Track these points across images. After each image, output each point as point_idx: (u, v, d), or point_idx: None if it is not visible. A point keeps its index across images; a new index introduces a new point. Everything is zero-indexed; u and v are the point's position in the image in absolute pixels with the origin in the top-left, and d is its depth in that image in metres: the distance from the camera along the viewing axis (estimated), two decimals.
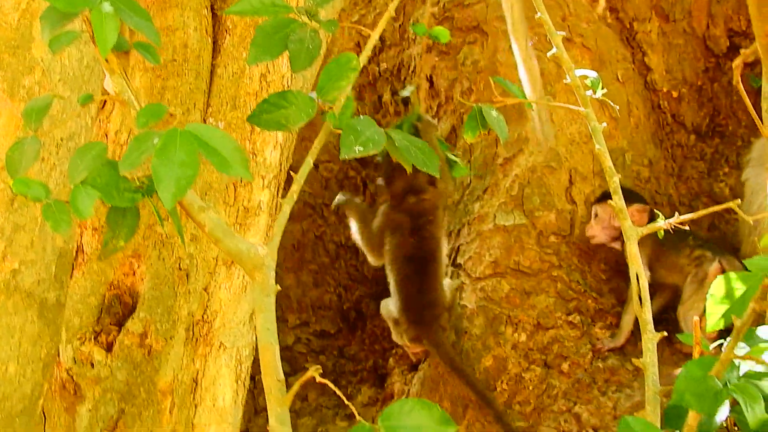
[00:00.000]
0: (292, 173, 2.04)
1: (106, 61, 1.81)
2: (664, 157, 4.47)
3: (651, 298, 2.23)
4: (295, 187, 2.02)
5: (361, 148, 1.98)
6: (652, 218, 3.94)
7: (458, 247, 4.20)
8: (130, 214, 1.86)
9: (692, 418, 1.68)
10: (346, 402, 1.69)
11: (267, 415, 4.53)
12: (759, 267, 1.71)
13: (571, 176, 4.14)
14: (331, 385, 1.70)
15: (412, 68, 4.73)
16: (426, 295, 3.90)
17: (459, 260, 4.17)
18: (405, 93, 4.60)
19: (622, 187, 2.27)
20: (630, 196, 3.97)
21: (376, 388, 4.59)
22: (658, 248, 3.84)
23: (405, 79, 4.80)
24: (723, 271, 3.83)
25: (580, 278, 4.03)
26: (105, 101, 2.97)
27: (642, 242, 3.55)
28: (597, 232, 3.98)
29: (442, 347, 3.85)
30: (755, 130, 4.19)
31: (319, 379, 1.72)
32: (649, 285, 3.88)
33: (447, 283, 4.00)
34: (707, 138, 4.57)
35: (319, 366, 1.76)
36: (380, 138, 2.03)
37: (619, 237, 3.90)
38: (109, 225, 1.83)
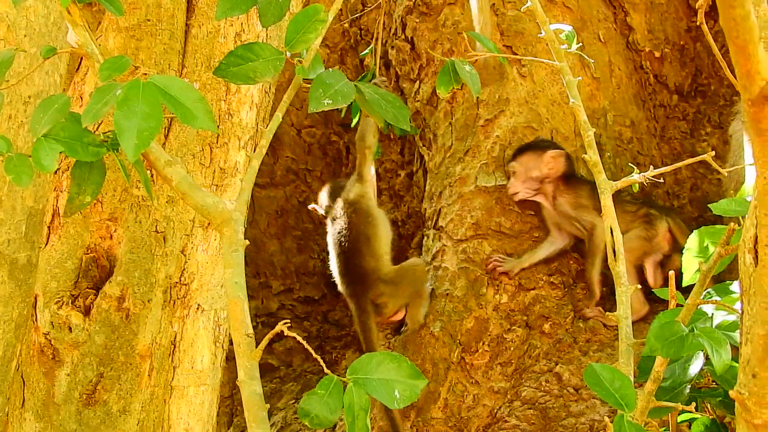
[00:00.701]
0: (261, 127, 2.02)
1: (68, 12, 1.77)
2: (647, 118, 4.45)
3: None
4: (264, 142, 2.00)
5: (330, 101, 1.97)
6: (570, 162, 3.99)
7: (440, 210, 4.19)
8: (96, 170, 1.84)
9: (659, 364, 1.67)
10: (309, 349, 1.67)
11: None
12: (721, 209, 1.70)
13: (552, 137, 4.12)
14: (300, 338, 1.69)
15: (393, 30, 4.69)
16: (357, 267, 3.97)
17: (440, 223, 4.15)
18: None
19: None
20: (543, 144, 3.99)
21: (360, 353, 4.59)
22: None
23: (386, 42, 4.76)
24: (670, 230, 3.87)
25: None
26: (81, 60, 2.94)
27: (591, 196, 3.56)
28: (518, 188, 3.98)
29: (363, 317, 3.92)
30: (737, 90, 4.17)
31: (287, 332, 1.70)
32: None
33: (414, 261, 4.04)
34: (689, 98, 4.55)
35: (288, 320, 1.75)
36: (350, 91, 2.01)
37: (539, 190, 3.92)
38: (74, 180, 1.81)
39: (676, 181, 4.32)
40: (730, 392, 1.52)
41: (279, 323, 1.72)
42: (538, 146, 3.98)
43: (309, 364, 4.71)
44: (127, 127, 1.63)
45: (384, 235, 4.05)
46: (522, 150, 3.99)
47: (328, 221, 4.13)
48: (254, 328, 4.77)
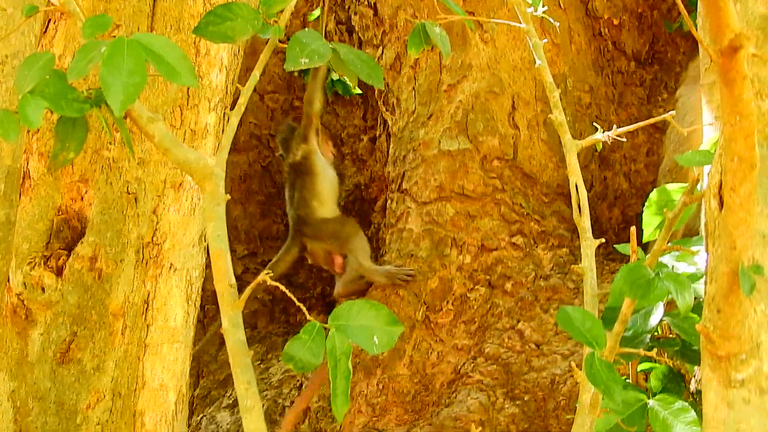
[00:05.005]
0: (238, 86, 2.07)
1: None
2: (605, 84, 4.54)
3: None
4: (242, 99, 2.05)
5: (307, 60, 2.02)
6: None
7: (403, 173, 4.26)
8: (79, 126, 1.87)
9: (626, 306, 1.76)
10: (298, 303, 1.74)
11: (218, 342, 4.56)
12: (686, 160, 1.79)
13: (513, 102, 4.20)
14: (282, 287, 1.75)
15: None
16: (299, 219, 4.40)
17: (405, 185, 4.22)
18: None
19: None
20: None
21: (325, 315, 4.64)
22: None
23: (349, 8, 4.80)
24: None
25: (523, 201, 4.12)
26: (48, 23, 2.95)
27: None
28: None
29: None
30: (693, 56, 4.27)
31: (270, 282, 1.77)
32: None
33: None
34: (647, 65, 4.64)
35: (270, 271, 1.82)
36: (325, 51, 2.06)
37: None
38: (58, 137, 1.84)
39: (633, 146, 4.43)
40: (696, 326, 1.63)
41: (261, 273, 1.79)
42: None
43: (273, 326, 4.78)
44: (113, 83, 1.68)
45: (320, 186, 4.40)
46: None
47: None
48: None
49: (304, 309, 1.75)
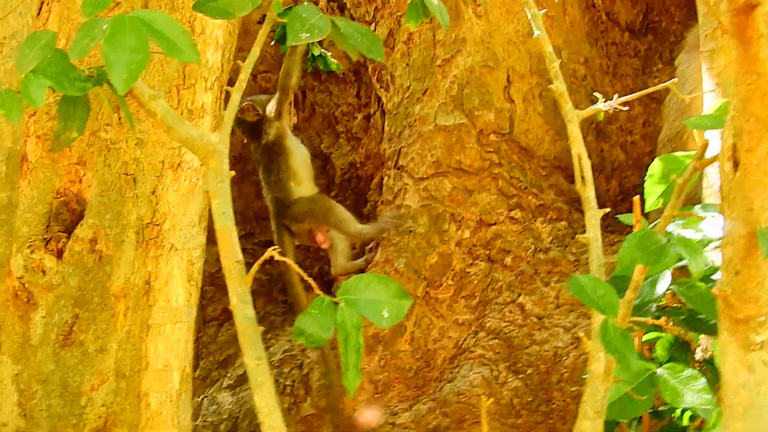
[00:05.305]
0: (239, 62, 2.06)
1: None
2: (599, 55, 4.53)
3: None
4: (243, 76, 2.04)
5: (308, 35, 2.01)
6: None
7: (400, 150, 4.25)
8: (81, 105, 1.87)
9: (638, 273, 1.76)
10: (307, 278, 1.74)
11: (216, 324, 4.55)
12: (696, 124, 1.79)
13: (509, 75, 4.19)
14: (290, 263, 1.75)
15: None
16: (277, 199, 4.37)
17: (401, 162, 4.22)
18: None
19: None
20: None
21: (324, 294, 4.66)
22: None
23: None
24: None
25: (520, 175, 4.11)
26: (42, 5, 2.93)
27: None
28: None
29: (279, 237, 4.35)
30: (688, 26, 4.27)
31: (277, 257, 1.76)
32: None
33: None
34: (641, 35, 4.63)
35: (277, 246, 1.81)
36: (325, 24, 2.05)
37: None
38: (60, 116, 1.84)
39: (629, 118, 4.42)
40: (713, 290, 1.64)
41: (268, 249, 1.78)
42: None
43: (272, 306, 4.77)
44: (116, 61, 1.67)
45: (295, 166, 4.35)
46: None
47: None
48: (217, 272, 4.81)
49: (313, 284, 1.74)
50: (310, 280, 1.73)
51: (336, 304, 1.74)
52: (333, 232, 4.34)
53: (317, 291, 1.72)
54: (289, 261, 1.75)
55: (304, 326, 1.68)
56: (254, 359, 1.80)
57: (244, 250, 4.89)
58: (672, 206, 1.74)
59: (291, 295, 4.26)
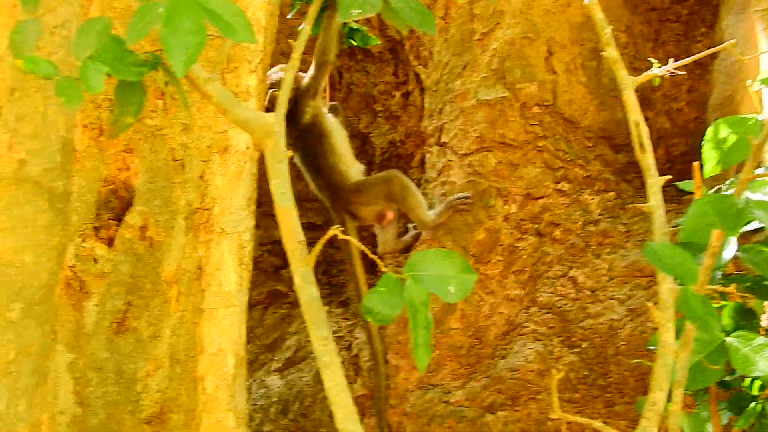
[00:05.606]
0: (290, 41, 2.04)
1: None
2: (640, 22, 4.46)
3: None
4: (296, 54, 2.03)
5: (360, 11, 1.99)
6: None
7: (442, 126, 4.22)
8: (137, 90, 1.86)
9: (716, 238, 1.73)
10: (370, 255, 1.72)
11: (262, 308, 4.54)
12: (765, 82, 1.74)
13: (549, 46, 4.14)
14: (354, 241, 1.73)
15: None
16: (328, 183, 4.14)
17: (444, 139, 4.18)
18: None
19: None
20: None
21: (367, 275, 4.65)
22: None
23: None
24: None
25: (565, 147, 4.07)
26: None
27: None
28: None
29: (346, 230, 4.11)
30: None
31: (341, 236, 1.75)
32: None
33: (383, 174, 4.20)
34: (682, 0, 4.55)
35: (339, 225, 1.79)
36: (376, 0, 2.03)
37: None
38: (117, 101, 1.83)
39: (674, 84, 4.35)
40: None
41: (331, 228, 1.76)
42: None
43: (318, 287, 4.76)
44: (174, 44, 1.65)
45: (341, 147, 4.15)
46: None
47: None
48: (260, 256, 4.81)
49: (379, 262, 1.73)
50: (377, 259, 1.71)
51: (403, 281, 1.72)
52: None
53: (383, 269, 1.70)
54: (354, 240, 1.73)
55: (372, 304, 1.67)
56: (320, 339, 1.79)
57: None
58: (748, 168, 1.70)
59: (351, 276, 4.14)
